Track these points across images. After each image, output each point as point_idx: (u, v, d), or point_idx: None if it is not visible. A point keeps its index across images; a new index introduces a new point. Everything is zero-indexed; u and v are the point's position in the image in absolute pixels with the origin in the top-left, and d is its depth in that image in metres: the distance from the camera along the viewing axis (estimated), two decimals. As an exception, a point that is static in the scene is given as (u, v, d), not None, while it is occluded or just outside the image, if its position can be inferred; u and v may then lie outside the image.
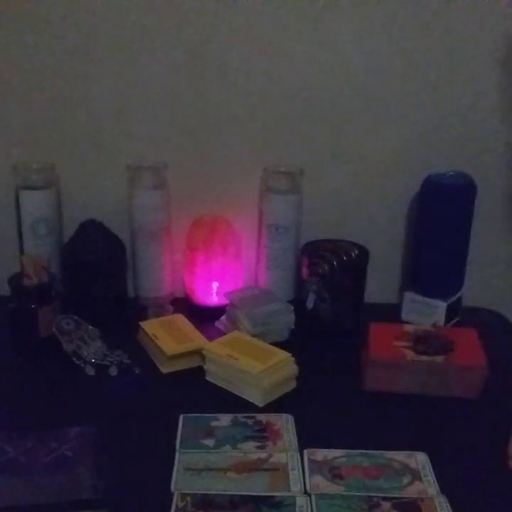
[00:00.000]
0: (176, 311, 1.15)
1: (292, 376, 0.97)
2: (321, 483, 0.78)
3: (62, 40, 1.13)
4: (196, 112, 1.17)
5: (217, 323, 1.14)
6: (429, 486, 0.78)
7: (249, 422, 0.89)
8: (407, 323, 1.12)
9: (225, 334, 1.06)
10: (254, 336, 1.04)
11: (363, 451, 0.83)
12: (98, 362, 1.00)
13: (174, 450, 0.83)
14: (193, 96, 1.16)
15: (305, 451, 0.83)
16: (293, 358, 0.97)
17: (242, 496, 0.75)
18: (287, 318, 1.10)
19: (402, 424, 0.90)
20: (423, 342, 1.00)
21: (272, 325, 1.08)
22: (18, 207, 1.16)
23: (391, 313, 1.19)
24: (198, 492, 0.75)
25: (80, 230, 1.16)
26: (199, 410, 0.91)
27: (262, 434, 0.86)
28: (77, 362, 1.01)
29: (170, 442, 0.84)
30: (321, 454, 0.83)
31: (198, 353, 1.00)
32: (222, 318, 1.14)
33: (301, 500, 0.74)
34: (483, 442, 0.87)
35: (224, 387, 0.97)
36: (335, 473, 0.79)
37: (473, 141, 1.18)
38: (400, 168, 1.20)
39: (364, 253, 1.14)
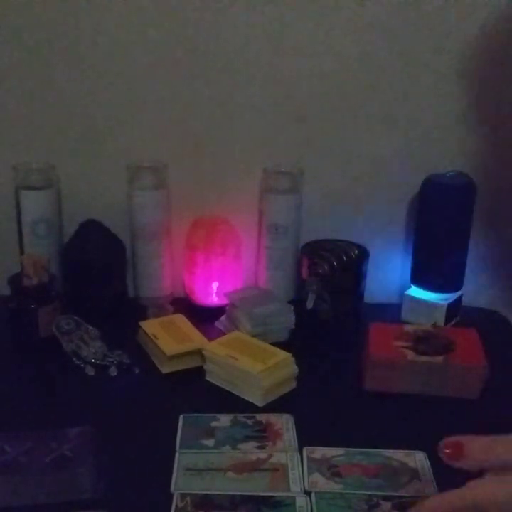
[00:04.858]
0: (176, 311, 1.15)
1: (292, 376, 0.97)
2: (320, 481, 0.78)
3: (62, 40, 1.13)
4: (196, 111, 1.17)
5: (217, 323, 1.14)
6: (427, 485, 0.78)
7: (249, 422, 0.89)
8: (407, 323, 1.12)
9: (225, 334, 1.06)
10: (254, 336, 1.04)
11: (362, 449, 0.83)
12: (98, 362, 1.00)
13: (174, 450, 0.83)
14: (192, 96, 1.16)
15: (304, 449, 0.83)
16: (293, 358, 0.97)
17: (242, 496, 0.75)
18: (287, 318, 1.10)
19: (402, 424, 0.90)
20: (423, 342, 0.99)
21: (272, 325, 1.08)
22: (18, 207, 1.16)
23: (391, 313, 1.19)
24: (198, 492, 0.75)
25: (79, 230, 1.16)
26: (199, 410, 0.91)
27: (262, 434, 0.86)
28: (77, 362, 1.01)
29: (170, 442, 0.84)
30: (320, 452, 0.83)
31: (198, 353, 1.00)
32: (222, 318, 1.14)
33: (300, 501, 0.74)
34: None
35: (224, 387, 0.97)
36: (334, 472, 0.79)
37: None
38: (400, 168, 1.20)
39: (364, 253, 1.14)
